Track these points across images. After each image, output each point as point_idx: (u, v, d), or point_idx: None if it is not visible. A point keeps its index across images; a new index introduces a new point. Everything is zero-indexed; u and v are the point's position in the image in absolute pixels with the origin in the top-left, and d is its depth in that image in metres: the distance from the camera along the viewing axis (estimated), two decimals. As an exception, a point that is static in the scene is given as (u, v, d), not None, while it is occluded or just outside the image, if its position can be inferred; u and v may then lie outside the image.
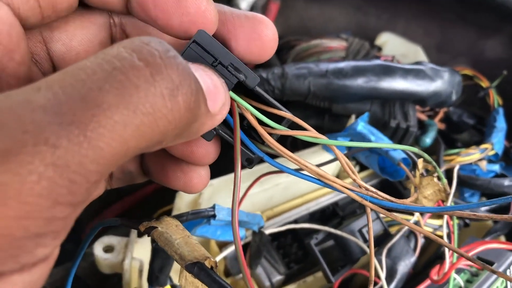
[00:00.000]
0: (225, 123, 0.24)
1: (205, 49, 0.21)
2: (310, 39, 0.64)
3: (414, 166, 0.41)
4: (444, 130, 0.60)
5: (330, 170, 0.54)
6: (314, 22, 0.74)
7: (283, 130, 0.23)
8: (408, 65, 0.49)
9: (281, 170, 0.24)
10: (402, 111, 0.51)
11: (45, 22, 0.22)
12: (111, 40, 0.24)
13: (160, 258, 0.34)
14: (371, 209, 0.24)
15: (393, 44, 0.66)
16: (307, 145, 0.53)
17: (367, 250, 0.44)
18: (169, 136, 0.17)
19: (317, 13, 0.75)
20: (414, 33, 0.70)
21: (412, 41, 0.67)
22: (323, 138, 0.23)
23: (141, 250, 0.40)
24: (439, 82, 0.49)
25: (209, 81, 0.20)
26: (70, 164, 0.14)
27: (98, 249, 0.40)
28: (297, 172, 0.24)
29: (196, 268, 0.22)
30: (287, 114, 0.24)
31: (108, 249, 0.41)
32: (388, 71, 0.47)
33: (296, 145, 0.59)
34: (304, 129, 0.23)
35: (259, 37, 0.23)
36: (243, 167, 0.24)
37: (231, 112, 0.23)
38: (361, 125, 0.45)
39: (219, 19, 0.23)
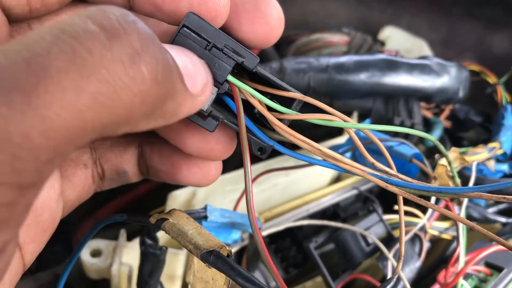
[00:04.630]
0: (232, 111, 0.22)
1: (197, 32, 0.19)
2: (311, 34, 0.61)
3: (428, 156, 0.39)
4: (450, 128, 0.58)
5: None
6: (316, 16, 0.72)
7: (292, 114, 0.21)
8: (413, 59, 0.47)
9: (284, 168, 0.23)
10: (406, 108, 0.49)
11: (33, 16, 0.20)
12: None
13: (150, 262, 0.33)
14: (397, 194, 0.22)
15: (397, 39, 0.64)
16: (319, 137, 0.51)
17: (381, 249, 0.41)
18: (137, 113, 0.15)
19: (318, 7, 0.72)
20: (419, 27, 0.68)
21: (416, 36, 0.65)
22: (339, 121, 0.21)
23: (130, 255, 0.38)
24: (446, 78, 0.46)
25: (187, 59, 0.18)
26: (12, 136, 0.12)
27: (85, 253, 0.38)
28: (312, 158, 0.22)
29: (212, 256, 0.21)
30: (297, 95, 0.22)
31: (95, 253, 0.39)
32: (392, 65, 0.45)
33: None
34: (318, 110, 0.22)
35: (263, 15, 0.21)
36: (255, 157, 0.22)
37: (234, 99, 0.21)
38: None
39: None
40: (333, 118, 0.21)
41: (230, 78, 0.21)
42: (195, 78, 0.18)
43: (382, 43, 0.62)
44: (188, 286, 0.25)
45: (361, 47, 0.59)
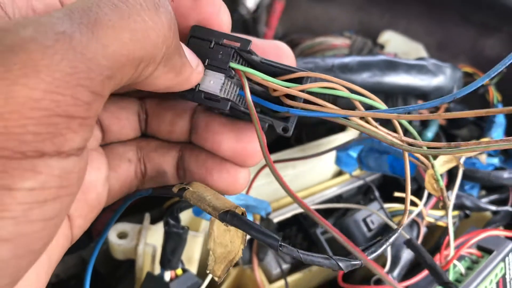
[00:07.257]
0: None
1: (203, 38, 0.24)
2: (315, 37, 0.65)
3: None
4: (444, 126, 0.61)
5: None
6: (318, 21, 0.76)
7: (295, 87, 0.24)
8: (411, 60, 0.51)
9: (292, 159, 0.25)
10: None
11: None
12: None
13: (173, 241, 0.36)
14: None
15: (395, 43, 0.68)
16: (311, 138, 0.54)
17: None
18: (159, 51, 0.20)
19: (321, 13, 0.76)
20: (416, 32, 0.71)
21: (413, 40, 0.68)
22: (344, 91, 0.24)
23: (154, 237, 0.41)
24: (441, 77, 0.50)
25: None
26: (85, 52, 0.16)
27: (112, 235, 0.41)
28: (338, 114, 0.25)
29: (229, 215, 0.23)
30: (302, 73, 0.25)
31: (122, 235, 0.41)
32: (392, 66, 0.48)
33: (300, 139, 0.60)
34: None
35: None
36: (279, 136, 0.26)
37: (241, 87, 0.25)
38: None
39: None
40: (337, 86, 0.24)
41: (233, 64, 0.24)
42: (190, 56, 0.23)
43: (382, 46, 0.65)
44: (209, 253, 0.27)
45: (362, 50, 0.62)
